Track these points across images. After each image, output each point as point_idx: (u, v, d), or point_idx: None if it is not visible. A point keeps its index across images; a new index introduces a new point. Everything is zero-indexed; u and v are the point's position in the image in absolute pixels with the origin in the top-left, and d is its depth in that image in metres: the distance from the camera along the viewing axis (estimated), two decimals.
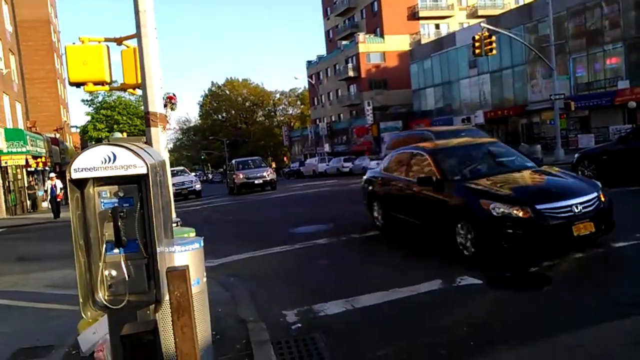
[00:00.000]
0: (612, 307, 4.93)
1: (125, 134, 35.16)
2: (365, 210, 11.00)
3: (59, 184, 24.02)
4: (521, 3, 58.15)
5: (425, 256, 7.88)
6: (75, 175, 3.03)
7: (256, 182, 27.99)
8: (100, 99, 49.14)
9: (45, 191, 25.28)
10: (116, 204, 3.15)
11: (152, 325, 2.75)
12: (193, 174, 41.16)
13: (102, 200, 3.17)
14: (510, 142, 23.17)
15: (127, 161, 3.03)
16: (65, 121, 54.25)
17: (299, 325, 5.39)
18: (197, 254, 4.08)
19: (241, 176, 28.37)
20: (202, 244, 4.18)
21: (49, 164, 36.35)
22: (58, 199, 23.74)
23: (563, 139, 31.66)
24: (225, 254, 9.43)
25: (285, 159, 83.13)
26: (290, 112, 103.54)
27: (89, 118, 53.33)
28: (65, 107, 55.94)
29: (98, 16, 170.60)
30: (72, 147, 54.86)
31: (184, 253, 3.92)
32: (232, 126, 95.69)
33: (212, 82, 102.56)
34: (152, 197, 3.06)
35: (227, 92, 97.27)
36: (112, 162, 3.02)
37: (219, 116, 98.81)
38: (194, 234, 4.78)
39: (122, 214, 3.10)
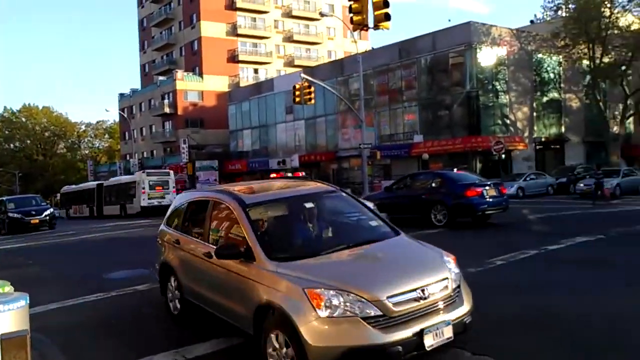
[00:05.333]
0: None
1: None
2: None
3: None
4: (333, 58, 63.08)
5: None
6: None
7: None
8: None
9: None
10: None
11: None
12: None
13: None
14: None
15: None
16: None
17: None
18: (23, 313, 3.38)
19: None
20: (27, 301, 3.50)
21: None
22: None
23: (369, 185, 34.38)
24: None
25: None
26: (97, 145, 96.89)
27: None
28: None
29: None
30: None
31: (7, 313, 3.22)
32: (26, 157, 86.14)
33: (5, 107, 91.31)
34: None
35: (24, 119, 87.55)
36: None
37: (11, 145, 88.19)
38: (9, 287, 4.02)
39: None
